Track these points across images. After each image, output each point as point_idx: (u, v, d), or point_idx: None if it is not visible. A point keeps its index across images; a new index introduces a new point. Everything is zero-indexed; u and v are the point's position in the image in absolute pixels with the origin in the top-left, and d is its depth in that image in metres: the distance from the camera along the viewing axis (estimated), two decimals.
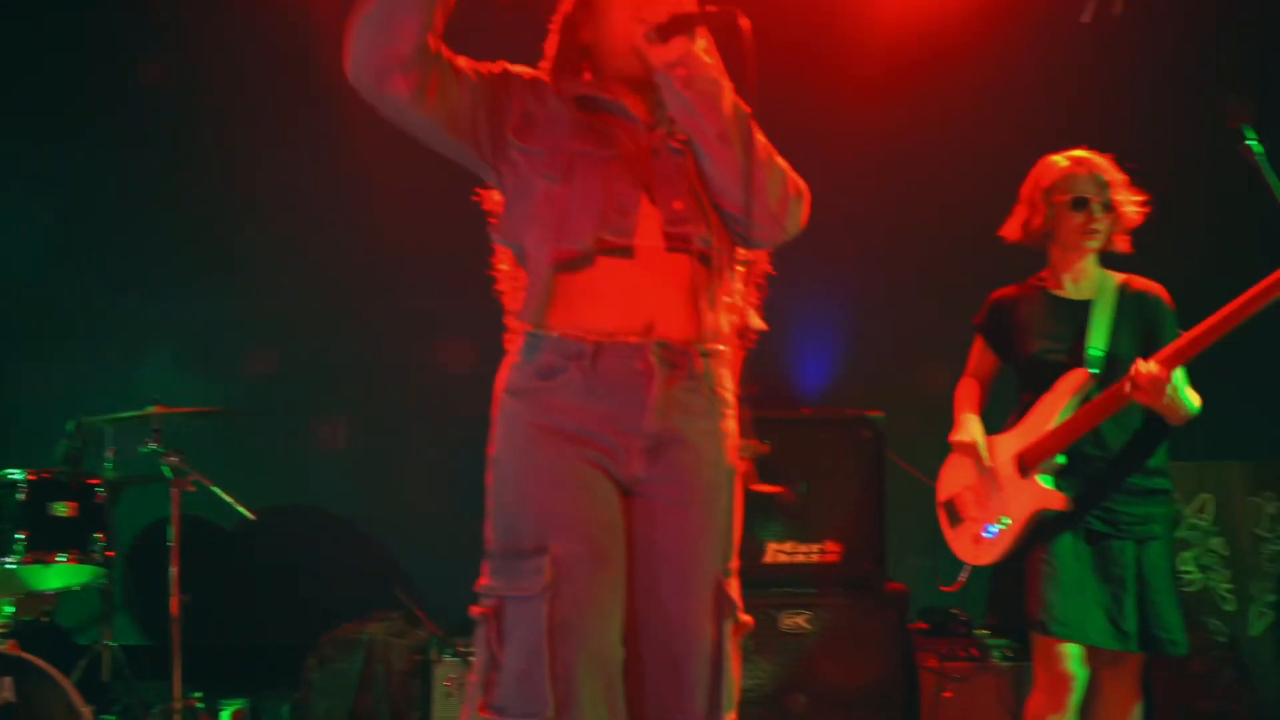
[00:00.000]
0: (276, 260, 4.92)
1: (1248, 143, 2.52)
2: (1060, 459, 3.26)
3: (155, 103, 4.95)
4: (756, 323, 2.19)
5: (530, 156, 2.06)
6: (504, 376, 2.08)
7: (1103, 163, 3.30)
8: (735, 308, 2.16)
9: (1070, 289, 3.35)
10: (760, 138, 2.05)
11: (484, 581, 1.99)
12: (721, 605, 2.02)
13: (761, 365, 5.09)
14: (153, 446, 4.00)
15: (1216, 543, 4.72)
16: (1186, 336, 3.05)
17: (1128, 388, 3.07)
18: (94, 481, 3.91)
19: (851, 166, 5.01)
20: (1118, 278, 3.36)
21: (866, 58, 4.87)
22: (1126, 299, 3.31)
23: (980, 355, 3.59)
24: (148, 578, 4.19)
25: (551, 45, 2.20)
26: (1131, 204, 3.29)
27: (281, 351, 4.92)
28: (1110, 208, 3.26)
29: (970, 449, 3.44)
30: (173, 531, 3.99)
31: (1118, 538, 3.18)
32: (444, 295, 4.85)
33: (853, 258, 4.99)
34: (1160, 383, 3.01)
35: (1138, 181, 3.30)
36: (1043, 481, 3.27)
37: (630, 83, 2.11)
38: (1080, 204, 3.26)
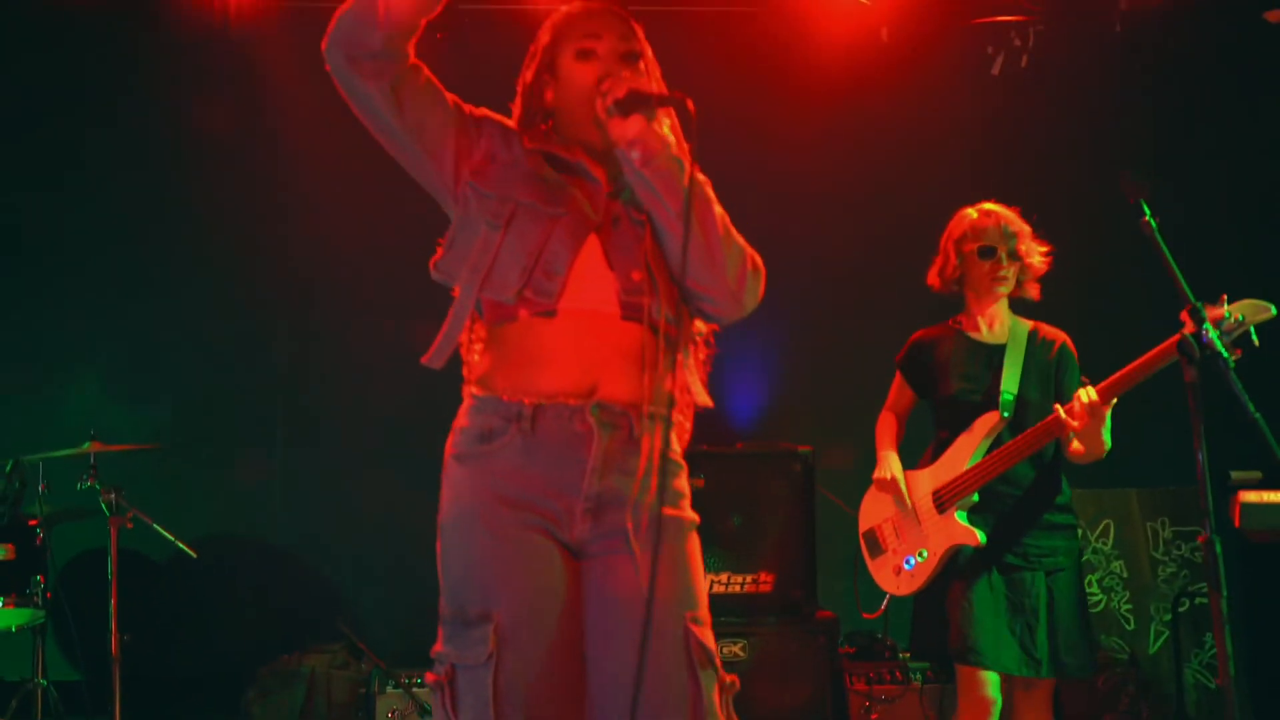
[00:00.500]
0: (210, 287, 4.92)
1: (1145, 219, 2.73)
2: (974, 496, 3.48)
3: (81, 125, 4.92)
4: (702, 398, 2.18)
5: (481, 198, 2.06)
6: (451, 440, 2.08)
7: (1009, 214, 3.54)
8: (684, 378, 2.16)
9: (985, 333, 3.58)
10: (718, 212, 2.05)
11: (437, 648, 1.98)
12: (693, 654, 1.98)
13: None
14: (90, 483, 3.98)
15: (1117, 565, 5.02)
16: (1120, 374, 3.25)
17: (1063, 414, 3.27)
18: (33, 523, 3.88)
19: (779, 206, 5.20)
20: (1028, 325, 3.59)
21: (795, 105, 5.06)
22: (1035, 345, 3.55)
23: (899, 391, 3.80)
24: (81, 610, 4.15)
25: (517, 107, 2.20)
26: (1037, 254, 3.53)
27: (215, 380, 4.91)
28: (1016, 256, 3.49)
29: (891, 486, 3.64)
30: (111, 568, 3.95)
31: (1028, 569, 3.40)
32: (384, 325, 4.93)
33: (783, 295, 5.15)
34: (1099, 411, 3.23)
35: (1040, 232, 3.54)
36: (959, 518, 3.48)
37: (592, 150, 2.11)
38: (988, 252, 3.49)
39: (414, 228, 4.82)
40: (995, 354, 3.54)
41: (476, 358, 2.12)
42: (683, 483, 2.11)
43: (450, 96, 2.11)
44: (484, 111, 2.16)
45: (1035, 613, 3.37)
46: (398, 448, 4.92)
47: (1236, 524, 3.64)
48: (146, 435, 4.46)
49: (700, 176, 2.03)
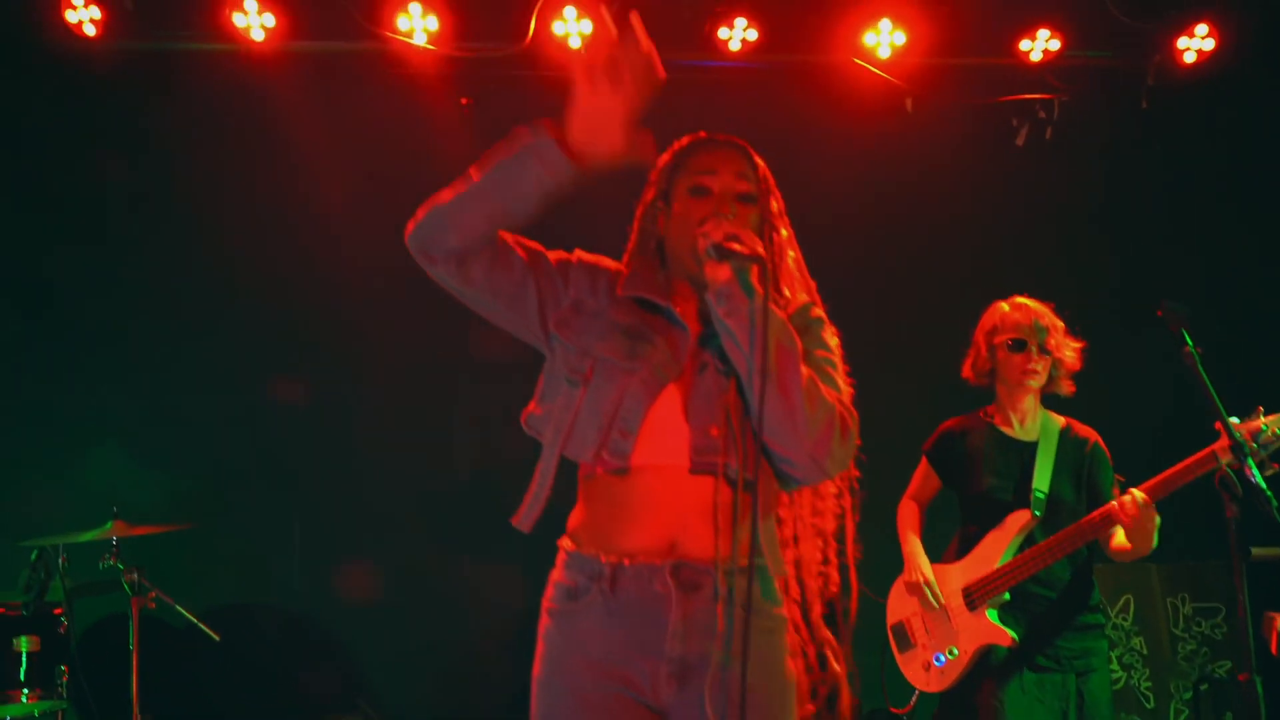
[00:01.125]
0: (229, 361, 4.86)
1: (1188, 349, 2.73)
2: (1005, 595, 3.46)
3: (97, 192, 4.87)
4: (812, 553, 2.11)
5: (565, 352, 2.06)
6: (546, 593, 2.06)
7: (1041, 309, 3.53)
8: (788, 530, 2.11)
9: (1017, 429, 3.56)
10: (804, 371, 1.94)
11: None
12: None
13: None
14: (112, 563, 3.93)
15: (1137, 642, 4.98)
16: (1163, 476, 3.24)
17: (1112, 512, 3.25)
18: (57, 611, 3.83)
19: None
20: (1060, 421, 3.57)
21: (816, 175, 5.02)
22: (1067, 443, 3.53)
23: (925, 479, 3.79)
24: (97, 680, 4.10)
25: (633, 229, 2.23)
26: (1069, 349, 3.52)
27: (235, 453, 4.85)
28: (1047, 351, 3.48)
29: (920, 590, 3.61)
30: (132, 648, 3.89)
31: (1059, 671, 3.38)
32: (407, 399, 4.90)
33: None
34: (1150, 510, 3.22)
35: (1075, 328, 3.53)
36: (990, 617, 3.46)
37: (693, 282, 2.08)
38: (1018, 346, 3.47)
39: (440, 308, 4.83)
40: (1027, 451, 3.52)
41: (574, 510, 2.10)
42: (777, 641, 2.01)
43: (529, 250, 2.09)
44: (572, 256, 2.15)
45: (1066, 716, 3.36)
46: (419, 522, 4.88)
47: (1274, 651, 3.63)
48: (165, 507, 4.41)
49: (789, 331, 1.96)
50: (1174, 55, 4.66)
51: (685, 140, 2.21)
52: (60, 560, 3.94)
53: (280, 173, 4.85)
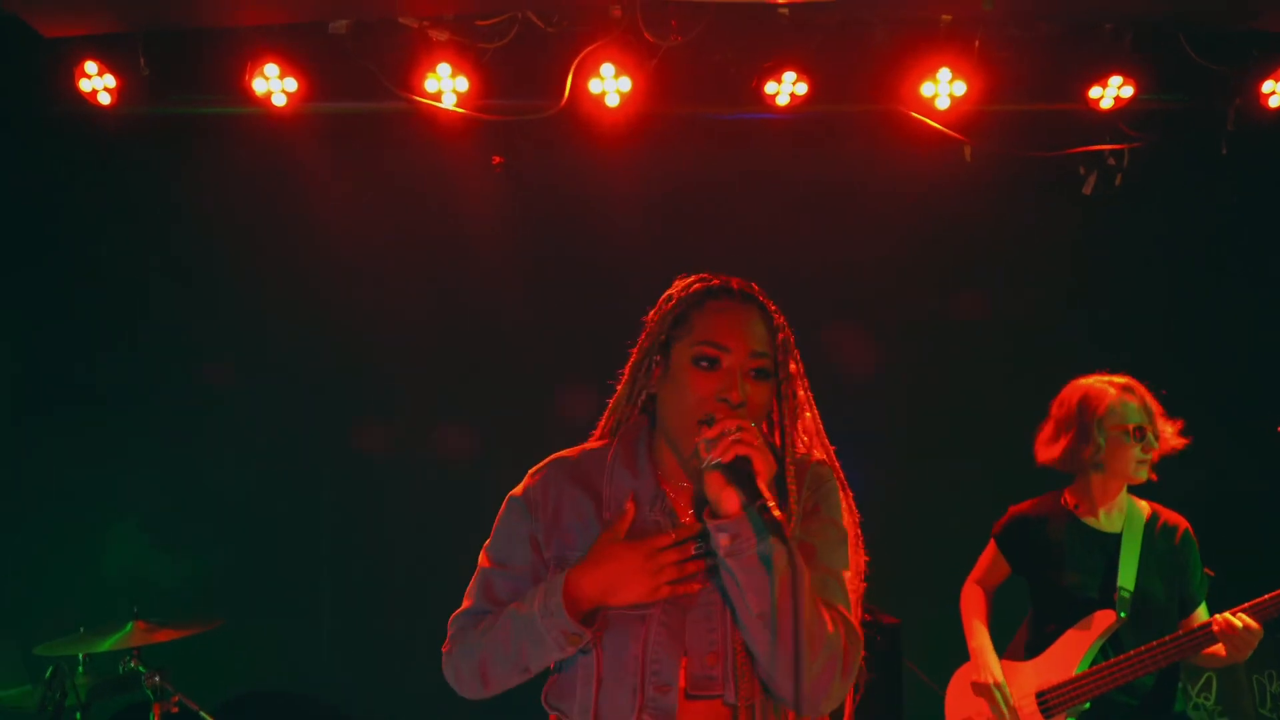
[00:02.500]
0: (245, 437, 4.68)
1: None
2: (1086, 705, 3.19)
3: (116, 264, 4.71)
4: None
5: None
6: None
7: (1145, 390, 3.27)
8: None
9: (1102, 519, 3.30)
10: (807, 611, 1.78)
11: None
12: None
13: None
14: (134, 666, 3.74)
15: None
16: (1271, 596, 3.04)
17: (1216, 632, 3.04)
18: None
19: (855, 331, 4.92)
20: (1146, 508, 3.30)
21: (874, 224, 4.78)
22: (1154, 533, 3.26)
23: (993, 564, 3.54)
24: None
25: (625, 375, 2.04)
26: (1170, 432, 3.25)
27: (260, 543, 4.65)
28: (1157, 439, 3.21)
29: (988, 692, 3.35)
30: None
31: None
32: (434, 472, 4.69)
33: (865, 451, 4.89)
34: (1256, 635, 3.01)
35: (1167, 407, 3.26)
36: None
37: (685, 468, 1.93)
38: (1139, 434, 3.20)
39: (473, 378, 4.65)
40: (1111, 543, 3.26)
41: None
42: None
43: (503, 575, 2.02)
44: (527, 500, 2.01)
45: None
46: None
47: None
48: (189, 601, 4.22)
49: (801, 572, 1.77)
50: (1257, 98, 4.34)
51: (693, 286, 1.97)
52: (80, 659, 3.78)
53: (307, 237, 4.68)
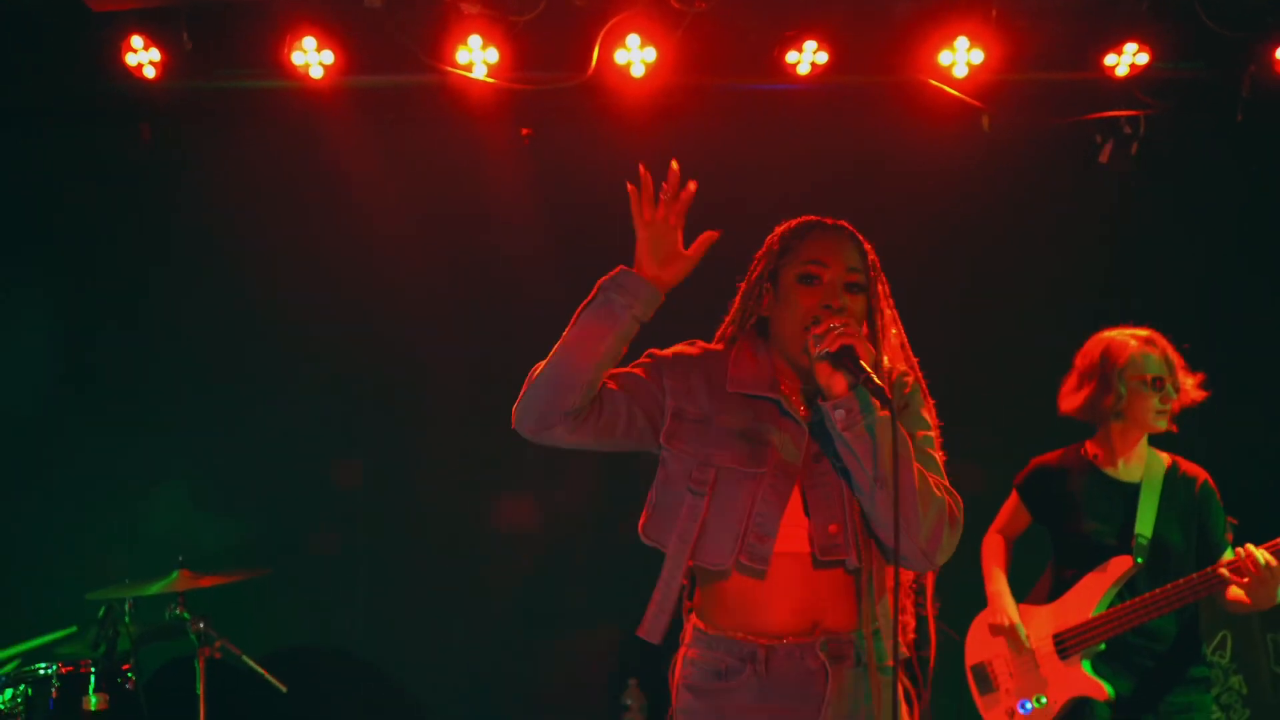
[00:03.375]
0: (290, 400, 4.82)
1: None
2: (1101, 646, 3.29)
3: (160, 235, 4.87)
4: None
5: (681, 463, 2.16)
6: (681, 669, 2.19)
7: (1166, 342, 3.36)
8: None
9: (1121, 469, 3.38)
10: (916, 472, 2.05)
11: None
12: None
13: None
14: (178, 612, 3.91)
15: (1235, 681, 4.74)
16: None
17: (1226, 573, 3.09)
18: (125, 667, 3.80)
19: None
20: (1165, 459, 3.39)
21: (892, 194, 4.87)
22: (1174, 483, 3.34)
23: (1015, 514, 3.62)
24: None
25: (735, 303, 2.32)
26: (1193, 386, 3.33)
27: (297, 498, 4.80)
28: (1177, 390, 3.29)
29: (1011, 634, 3.45)
30: (200, 700, 3.85)
31: None
32: (466, 437, 4.82)
33: None
34: (1275, 574, 3.03)
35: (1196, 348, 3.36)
36: (1085, 668, 3.31)
37: (797, 369, 2.20)
38: (1158, 384, 3.29)
39: (505, 344, 4.78)
40: (1130, 492, 3.34)
41: (696, 593, 2.22)
42: (897, 690, 2.14)
43: (620, 380, 2.19)
44: (652, 362, 2.24)
45: None
46: (485, 564, 4.81)
47: None
48: (233, 550, 4.39)
49: (905, 439, 2.05)
50: (1272, 65, 4.41)
51: (794, 223, 2.29)
52: (127, 607, 3.95)
53: (341, 208, 4.83)
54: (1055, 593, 3.45)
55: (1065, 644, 3.36)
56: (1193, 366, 3.38)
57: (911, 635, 2.29)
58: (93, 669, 3.65)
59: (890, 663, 2.13)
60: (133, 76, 4.36)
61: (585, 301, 2.11)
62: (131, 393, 4.80)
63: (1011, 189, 4.83)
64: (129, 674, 3.74)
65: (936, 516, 2.06)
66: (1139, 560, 3.27)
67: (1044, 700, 3.38)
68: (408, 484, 4.83)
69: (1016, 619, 3.47)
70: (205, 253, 4.83)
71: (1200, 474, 3.37)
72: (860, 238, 2.26)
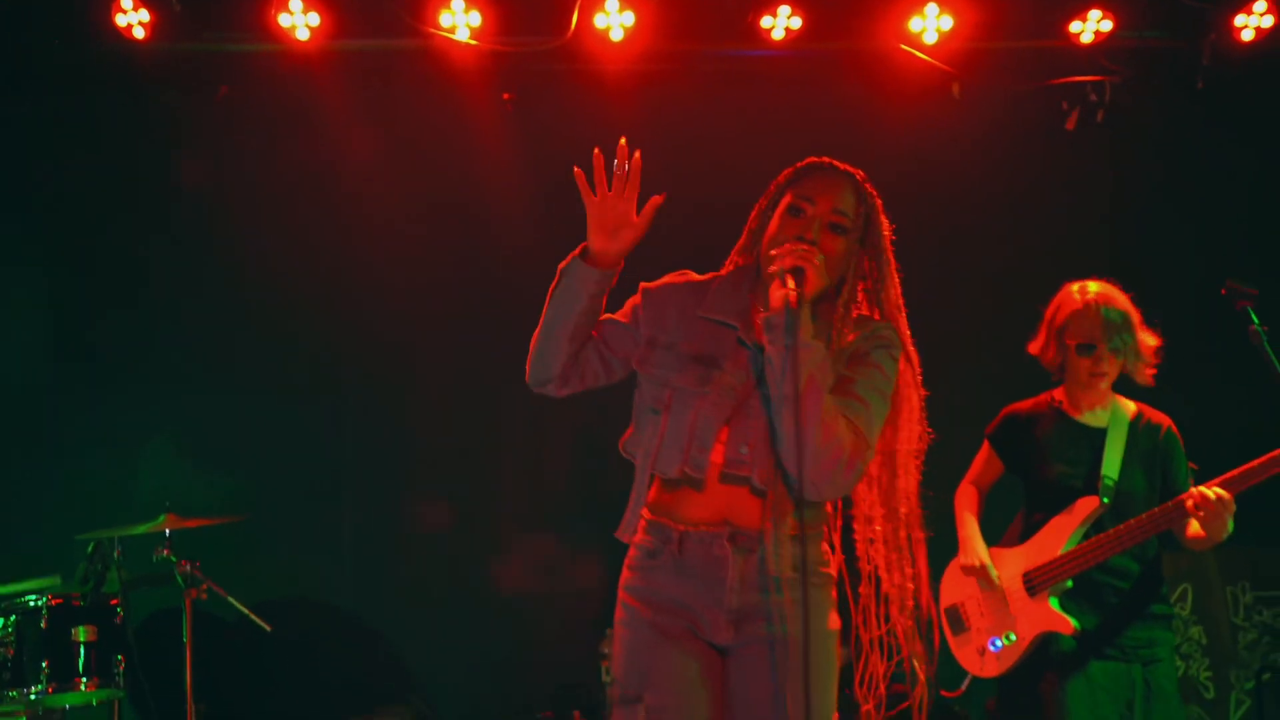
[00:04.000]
0: (278, 357, 4.91)
1: (1253, 327, 2.67)
2: (1068, 583, 3.40)
3: (147, 193, 4.93)
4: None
5: (648, 385, 2.37)
6: (629, 553, 2.41)
7: (1115, 301, 3.40)
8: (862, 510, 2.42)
9: (1086, 415, 3.48)
10: (825, 404, 2.17)
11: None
12: None
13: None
14: (165, 555, 3.99)
15: (1196, 631, 4.90)
16: (1246, 468, 3.19)
17: (1189, 505, 3.19)
18: (114, 602, 3.88)
19: None
20: (1131, 407, 3.49)
21: (863, 160, 4.92)
22: (1139, 430, 3.45)
23: (987, 463, 3.72)
24: (152, 672, 4.14)
25: (745, 230, 2.48)
26: (1146, 345, 3.40)
27: (285, 449, 4.88)
28: (1122, 351, 3.37)
29: (981, 573, 3.56)
30: (186, 639, 3.94)
31: (1124, 660, 3.33)
32: (453, 391, 4.91)
33: None
34: (1227, 505, 3.15)
35: (1155, 313, 3.43)
36: (1052, 604, 3.40)
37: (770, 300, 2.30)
38: (1086, 349, 3.38)
39: (486, 301, 4.87)
40: (1096, 437, 3.45)
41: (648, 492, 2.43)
42: (820, 595, 2.32)
43: (608, 327, 2.40)
44: (636, 297, 2.43)
45: (1132, 706, 3.30)
46: (467, 516, 4.90)
47: None
48: (216, 505, 4.45)
49: (823, 367, 2.19)
50: (1231, 33, 4.57)
51: (806, 161, 2.41)
52: (115, 553, 4.02)
53: (325, 169, 4.90)
54: (1025, 535, 3.53)
55: (1034, 582, 3.44)
56: (1154, 327, 3.47)
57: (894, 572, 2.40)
58: (81, 603, 3.73)
59: (824, 569, 2.31)
60: (123, 37, 4.42)
61: (553, 284, 2.32)
62: (123, 352, 4.88)
63: (981, 153, 4.96)
64: (117, 609, 3.82)
65: (832, 450, 2.18)
66: (1105, 501, 3.37)
67: (1013, 637, 3.47)
68: (395, 433, 4.91)
69: (986, 559, 3.56)
70: (191, 213, 4.90)
71: (1165, 421, 3.47)
72: (867, 188, 2.37)
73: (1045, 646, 3.39)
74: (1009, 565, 3.53)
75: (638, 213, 2.27)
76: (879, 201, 2.38)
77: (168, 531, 4.01)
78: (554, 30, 4.53)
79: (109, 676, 3.80)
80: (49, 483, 4.77)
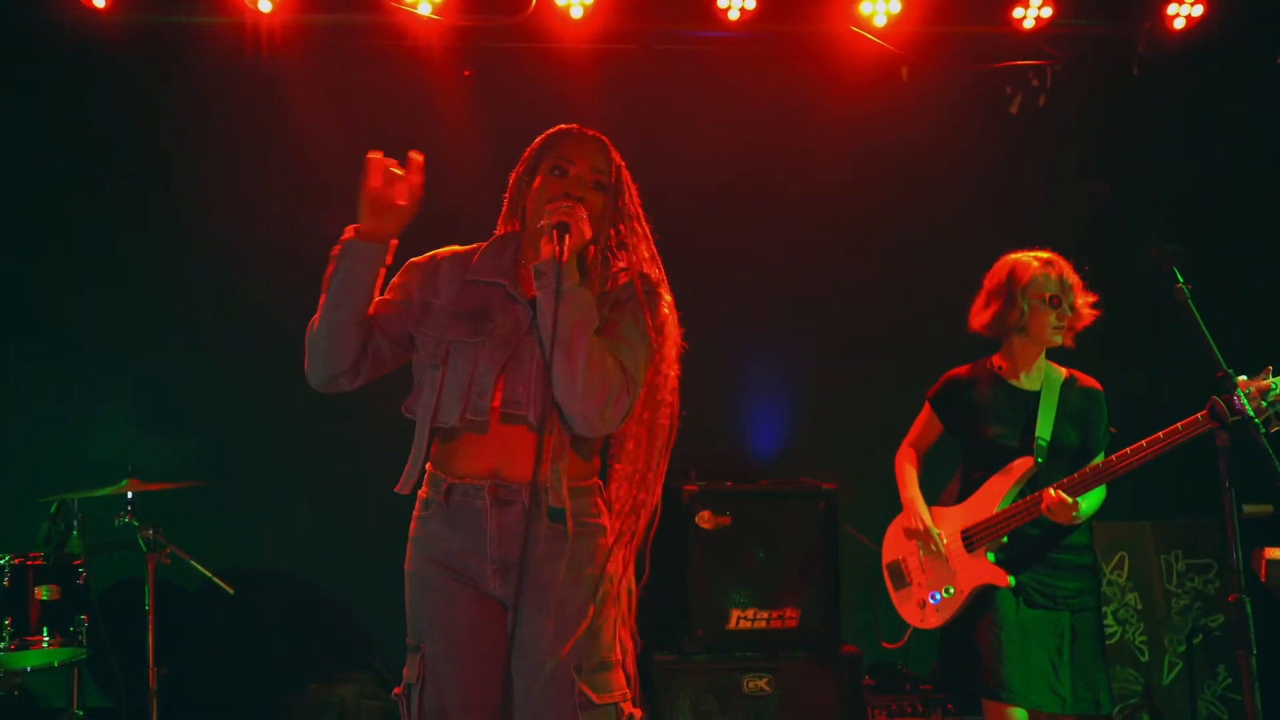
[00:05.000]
0: (236, 325, 4.93)
1: (1179, 285, 2.82)
2: (1004, 539, 3.56)
3: (116, 158, 4.96)
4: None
5: (425, 343, 2.47)
6: (415, 506, 2.51)
7: (1067, 264, 3.63)
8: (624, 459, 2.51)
9: (1023, 379, 3.66)
10: (589, 343, 2.31)
11: (405, 669, 2.47)
12: (574, 701, 2.34)
13: (720, 436, 5.29)
14: (128, 520, 4.03)
15: (1132, 598, 5.09)
16: (1096, 467, 3.44)
17: (1043, 505, 3.44)
18: (77, 563, 3.91)
19: (798, 242, 5.26)
20: (1063, 372, 3.68)
21: (814, 144, 5.15)
22: (1070, 393, 3.64)
23: (927, 425, 3.87)
24: (115, 636, 4.18)
25: (506, 198, 2.60)
26: (1087, 306, 3.62)
27: (244, 416, 4.92)
28: (1073, 308, 3.59)
29: (924, 537, 3.71)
30: (149, 603, 3.99)
31: (1054, 609, 3.50)
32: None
33: (804, 331, 5.25)
34: (1067, 508, 3.40)
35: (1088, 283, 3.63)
36: (989, 559, 3.57)
37: (537, 252, 2.43)
38: (1054, 302, 3.57)
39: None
40: (1031, 400, 3.63)
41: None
42: (588, 546, 2.43)
43: (381, 307, 2.48)
44: (405, 271, 2.55)
45: (1060, 651, 3.48)
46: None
47: (1263, 579, 3.72)
48: (178, 471, 4.49)
49: (588, 309, 2.33)
50: (1164, 21, 4.76)
51: (557, 129, 2.55)
52: (78, 520, 4.06)
53: (286, 145, 4.93)
54: (964, 494, 3.70)
55: (971, 539, 3.61)
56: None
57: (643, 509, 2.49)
58: (44, 563, 3.76)
59: (592, 520, 2.42)
60: (82, 6, 4.46)
61: (328, 272, 2.40)
62: (79, 317, 4.90)
63: (928, 134, 5.12)
64: (79, 569, 3.85)
65: (599, 385, 2.32)
66: (1039, 460, 3.54)
67: (952, 590, 3.63)
68: (354, 400, 4.95)
69: (930, 523, 3.71)
70: (153, 183, 4.92)
71: (1094, 384, 3.66)
72: (612, 150, 2.53)
73: (981, 599, 3.55)
74: (948, 523, 3.69)
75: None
76: (624, 164, 2.54)
77: (130, 495, 4.06)
78: (515, 7, 4.63)
79: (71, 637, 3.84)
80: (9, 449, 4.79)
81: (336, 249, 2.40)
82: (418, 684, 2.40)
